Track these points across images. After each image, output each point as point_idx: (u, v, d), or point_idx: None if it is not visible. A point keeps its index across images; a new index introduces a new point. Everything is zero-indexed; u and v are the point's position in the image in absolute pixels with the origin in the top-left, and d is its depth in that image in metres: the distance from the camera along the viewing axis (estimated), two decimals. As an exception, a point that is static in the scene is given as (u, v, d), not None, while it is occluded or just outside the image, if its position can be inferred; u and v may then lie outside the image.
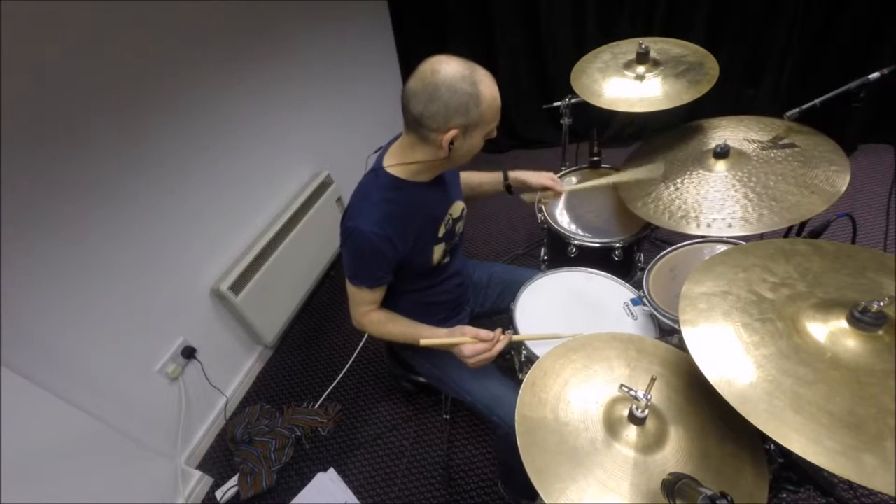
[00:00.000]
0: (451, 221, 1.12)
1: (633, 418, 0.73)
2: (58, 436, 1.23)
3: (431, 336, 1.04)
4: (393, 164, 1.00)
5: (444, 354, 1.12)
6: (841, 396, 0.59)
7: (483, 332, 1.01)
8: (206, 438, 1.82)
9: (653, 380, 0.72)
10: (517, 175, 1.34)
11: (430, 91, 0.86)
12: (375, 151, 1.08)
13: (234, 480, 1.65)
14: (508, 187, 1.36)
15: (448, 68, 0.86)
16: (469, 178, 1.33)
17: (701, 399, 0.77)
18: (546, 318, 1.18)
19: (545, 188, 1.32)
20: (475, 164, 1.03)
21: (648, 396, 0.70)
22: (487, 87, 0.88)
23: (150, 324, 1.57)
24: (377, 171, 1.02)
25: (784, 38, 2.31)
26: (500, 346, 1.02)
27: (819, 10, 2.20)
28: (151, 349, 1.59)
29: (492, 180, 1.35)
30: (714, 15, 2.35)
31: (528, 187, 1.35)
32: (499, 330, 1.03)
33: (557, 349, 0.89)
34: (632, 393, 0.71)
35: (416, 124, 0.91)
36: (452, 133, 0.89)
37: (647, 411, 0.71)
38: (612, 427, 0.74)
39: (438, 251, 1.11)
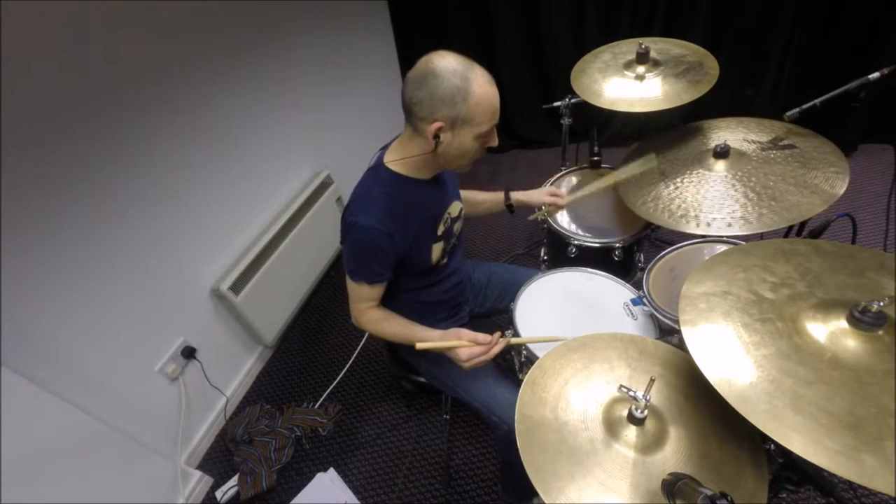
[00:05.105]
0: (449, 220, 1.12)
1: (632, 418, 0.73)
2: (58, 436, 1.23)
3: (426, 339, 1.03)
4: (393, 160, 1.01)
5: (444, 354, 1.12)
6: (841, 396, 0.59)
7: (480, 336, 0.99)
8: (206, 438, 1.82)
9: (652, 380, 0.72)
10: (519, 196, 1.36)
11: (421, 78, 0.88)
12: (380, 150, 1.09)
13: (234, 480, 1.65)
14: (510, 207, 1.37)
15: (444, 60, 0.87)
16: (471, 196, 1.34)
17: (701, 399, 0.77)
18: (546, 318, 1.18)
19: (548, 204, 1.35)
20: (474, 163, 1.03)
21: (647, 397, 0.70)
22: (480, 85, 0.88)
23: (150, 324, 1.57)
24: (378, 167, 1.02)
25: (784, 38, 2.31)
26: (496, 350, 1.00)
27: (819, 10, 2.20)
28: (151, 349, 1.59)
29: (493, 199, 1.37)
30: (714, 15, 2.35)
31: (530, 206, 1.37)
32: (497, 333, 1.01)
33: (558, 349, 0.89)
34: (631, 393, 0.71)
35: (407, 111, 0.93)
36: (437, 125, 0.89)
37: (646, 412, 0.71)
38: (611, 427, 0.74)
39: (437, 250, 1.10)
